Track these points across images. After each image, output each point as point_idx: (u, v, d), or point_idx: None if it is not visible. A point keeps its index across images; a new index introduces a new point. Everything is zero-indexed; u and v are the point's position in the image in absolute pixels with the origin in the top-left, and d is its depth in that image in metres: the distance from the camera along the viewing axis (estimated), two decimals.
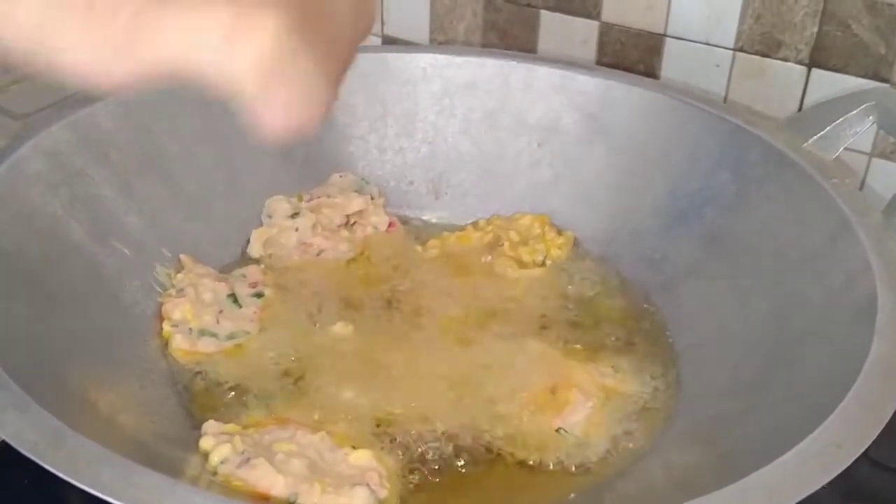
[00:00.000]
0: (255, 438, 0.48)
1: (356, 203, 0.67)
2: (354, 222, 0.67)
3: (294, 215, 0.65)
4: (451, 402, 0.53)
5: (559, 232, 0.67)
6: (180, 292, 0.58)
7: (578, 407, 0.52)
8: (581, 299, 0.63)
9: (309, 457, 0.47)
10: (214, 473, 0.46)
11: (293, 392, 0.54)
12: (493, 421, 0.52)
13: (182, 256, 0.61)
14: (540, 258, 0.65)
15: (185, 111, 0.64)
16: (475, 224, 0.69)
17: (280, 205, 0.66)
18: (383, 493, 0.47)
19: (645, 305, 0.62)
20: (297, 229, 0.65)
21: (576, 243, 0.67)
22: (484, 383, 0.55)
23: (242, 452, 0.46)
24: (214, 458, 0.46)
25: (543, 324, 0.60)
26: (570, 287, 0.64)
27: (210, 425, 0.49)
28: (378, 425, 0.52)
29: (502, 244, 0.66)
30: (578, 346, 0.58)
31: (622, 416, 0.53)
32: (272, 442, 0.48)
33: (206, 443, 0.48)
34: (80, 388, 0.48)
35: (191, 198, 0.63)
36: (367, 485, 0.46)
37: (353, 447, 0.49)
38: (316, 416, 0.52)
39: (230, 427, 0.49)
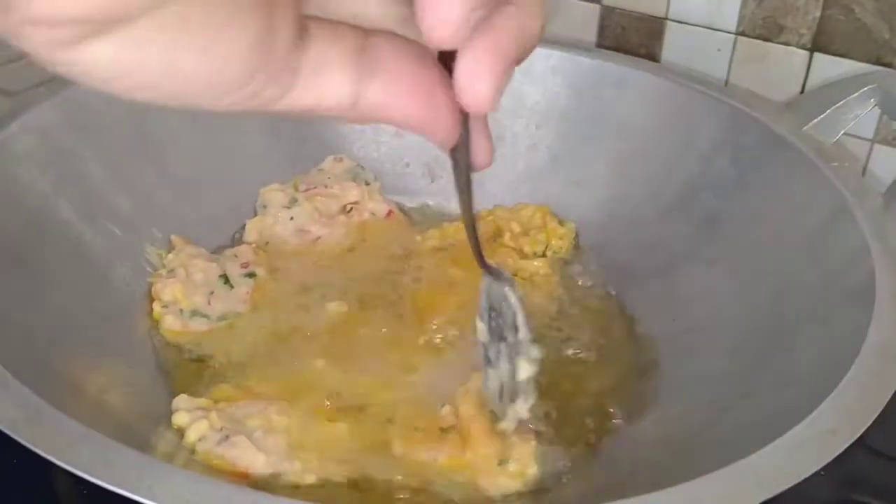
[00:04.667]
0: (228, 413, 0.47)
1: (353, 194, 0.66)
2: (351, 209, 0.66)
3: (290, 205, 0.65)
4: (416, 397, 0.52)
5: (561, 223, 0.66)
6: (171, 273, 0.58)
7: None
8: (579, 290, 0.62)
9: (287, 433, 0.46)
10: (193, 451, 0.45)
11: (282, 372, 0.53)
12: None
13: (173, 237, 0.61)
14: (541, 248, 0.64)
15: None
16: (476, 214, 0.68)
17: (275, 195, 0.65)
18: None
19: (641, 290, 0.61)
20: (292, 218, 0.64)
21: (578, 234, 0.66)
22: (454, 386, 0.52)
23: (221, 429, 0.46)
24: (191, 436, 0.46)
25: (541, 318, 0.59)
26: (569, 278, 0.63)
27: (182, 400, 0.48)
28: (358, 408, 0.51)
29: (503, 235, 0.65)
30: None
31: (613, 402, 0.52)
32: (245, 416, 0.47)
33: (179, 419, 0.47)
34: (67, 367, 0.47)
35: (181, 179, 0.63)
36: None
37: (329, 421, 0.49)
38: (297, 393, 0.51)
39: (202, 402, 0.48)
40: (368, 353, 0.55)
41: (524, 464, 0.47)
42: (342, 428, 0.49)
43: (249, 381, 0.52)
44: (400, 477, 0.47)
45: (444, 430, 0.49)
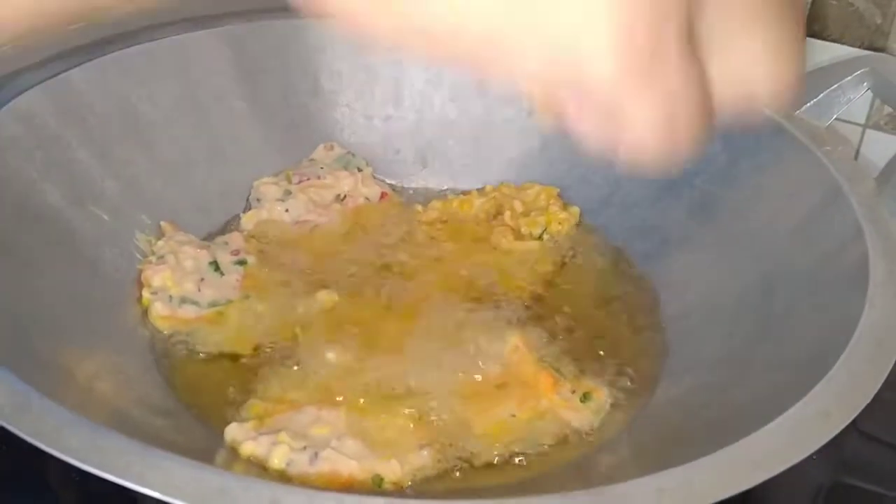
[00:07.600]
0: (292, 429, 0.46)
1: (346, 183, 0.66)
2: (345, 196, 0.66)
3: (283, 197, 0.64)
4: (446, 369, 0.52)
5: (564, 206, 0.66)
6: (160, 259, 0.57)
7: None
8: (570, 278, 0.62)
9: (357, 435, 0.46)
10: (286, 477, 0.44)
11: (277, 362, 0.53)
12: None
13: (162, 223, 0.60)
14: (538, 231, 0.64)
15: (164, 75, 0.63)
16: (481, 189, 0.68)
17: (268, 188, 0.65)
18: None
19: (633, 275, 0.61)
20: (287, 210, 0.64)
21: (581, 219, 0.66)
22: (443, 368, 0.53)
23: (304, 448, 0.45)
24: (278, 462, 0.44)
25: (526, 304, 0.59)
26: (562, 264, 0.63)
27: (234, 430, 0.47)
28: (402, 394, 0.51)
29: (503, 213, 0.65)
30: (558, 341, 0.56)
31: (609, 387, 0.52)
32: (305, 428, 0.47)
33: (250, 449, 0.45)
34: (56, 355, 0.47)
35: (171, 164, 0.62)
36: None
37: (384, 415, 0.48)
38: (328, 391, 0.51)
39: (251, 424, 0.47)
40: (374, 339, 0.55)
41: (600, 401, 0.51)
42: (404, 418, 0.48)
43: (269, 387, 0.51)
44: (497, 444, 0.48)
45: (499, 388, 0.51)
